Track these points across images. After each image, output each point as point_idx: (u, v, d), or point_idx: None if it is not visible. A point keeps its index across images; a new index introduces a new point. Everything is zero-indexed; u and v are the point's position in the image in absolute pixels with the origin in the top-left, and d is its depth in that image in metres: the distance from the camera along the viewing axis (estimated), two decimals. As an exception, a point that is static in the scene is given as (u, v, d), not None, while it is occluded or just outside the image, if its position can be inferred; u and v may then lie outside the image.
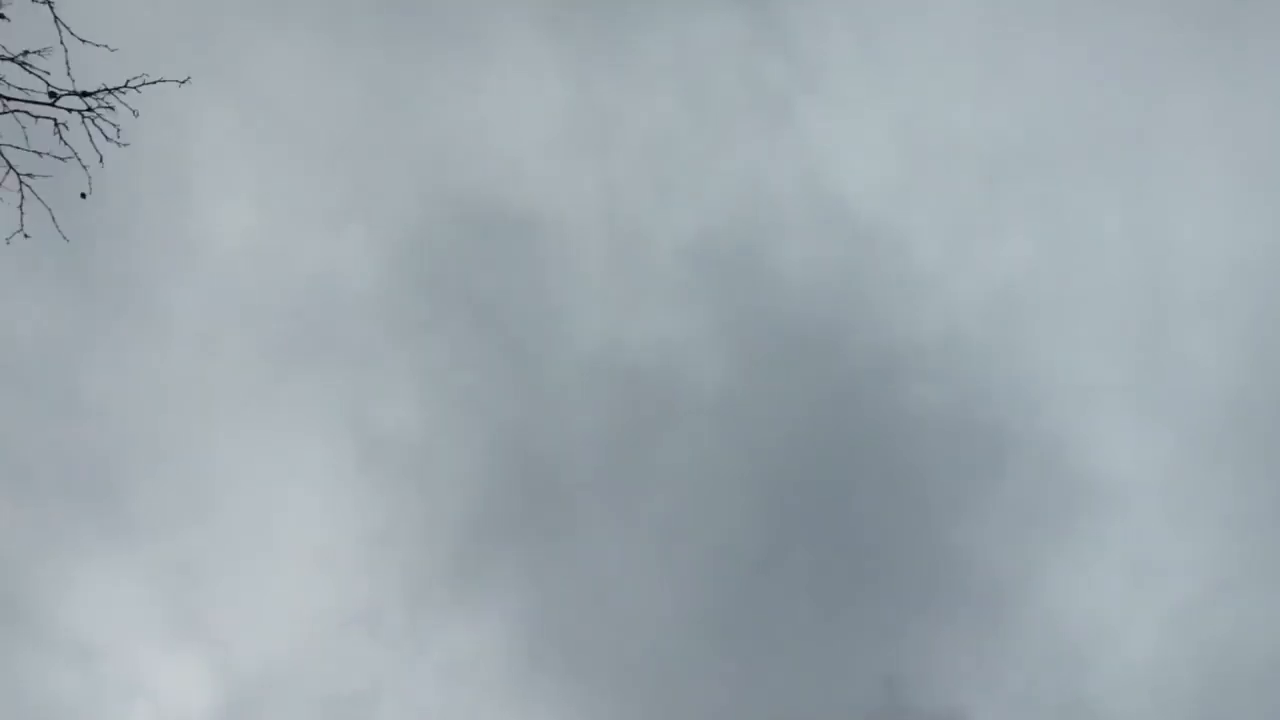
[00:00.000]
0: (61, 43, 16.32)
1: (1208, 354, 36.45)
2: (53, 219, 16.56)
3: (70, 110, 16.27)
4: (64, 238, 16.75)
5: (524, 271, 40.10)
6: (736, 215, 39.77)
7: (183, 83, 17.69)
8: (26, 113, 16.10)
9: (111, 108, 16.43)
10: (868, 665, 37.88)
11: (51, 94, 16.20)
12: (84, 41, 16.42)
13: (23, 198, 16.26)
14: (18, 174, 16.54)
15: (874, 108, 39.41)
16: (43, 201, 16.62)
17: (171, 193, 35.53)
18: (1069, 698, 36.34)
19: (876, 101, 38.97)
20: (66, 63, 16.27)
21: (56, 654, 34.87)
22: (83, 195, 16.55)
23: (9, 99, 15.99)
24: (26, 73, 16.18)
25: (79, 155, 16.60)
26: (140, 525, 36.32)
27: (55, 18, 16.02)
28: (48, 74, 16.45)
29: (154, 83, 16.93)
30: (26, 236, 16.68)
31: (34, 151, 16.56)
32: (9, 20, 15.43)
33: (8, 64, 15.76)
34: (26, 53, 15.75)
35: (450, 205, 39.19)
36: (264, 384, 37.84)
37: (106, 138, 16.53)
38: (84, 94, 16.17)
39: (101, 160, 16.72)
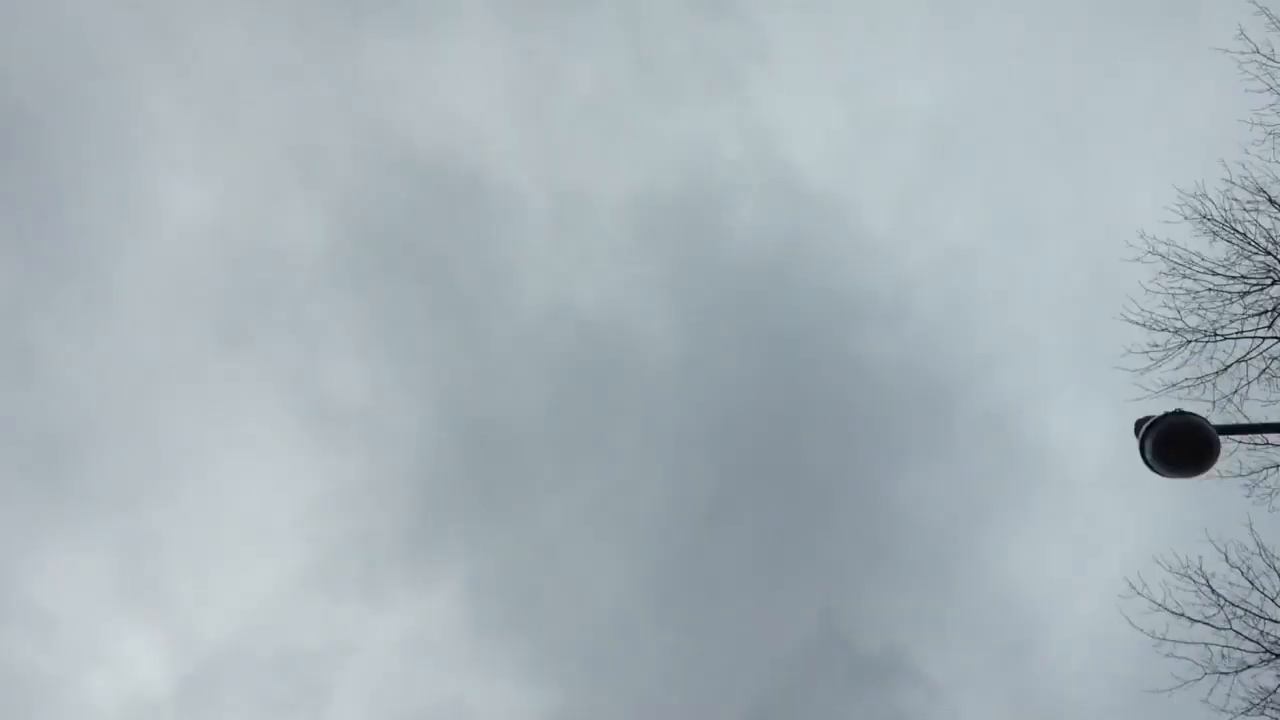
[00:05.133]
0: None
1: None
2: None
3: None
4: None
5: (470, 232, 40.11)
6: (683, 178, 39.96)
7: None
8: None
9: None
10: (809, 604, 38.80)
11: None
12: None
13: None
14: None
15: (822, 76, 39.61)
16: None
17: (120, 168, 35.19)
18: (1010, 643, 37.41)
19: (824, 70, 39.16)
20: None
21: (14, 624, 35.04)
22: None
23: None
24: None
25: None
26: (97, 497, 36.41)
27: None
28: None
29: None
30: None
31: None
32: None
33: None
34: None
35: (396, 168, 39.05)
36: (215, 354, 37.84)
37: None
38: None
39: None
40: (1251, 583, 19.91)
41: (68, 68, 34.26)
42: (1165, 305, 21.10)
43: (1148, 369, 21.22)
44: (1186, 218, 20.92)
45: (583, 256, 40.10)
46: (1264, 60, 20.61)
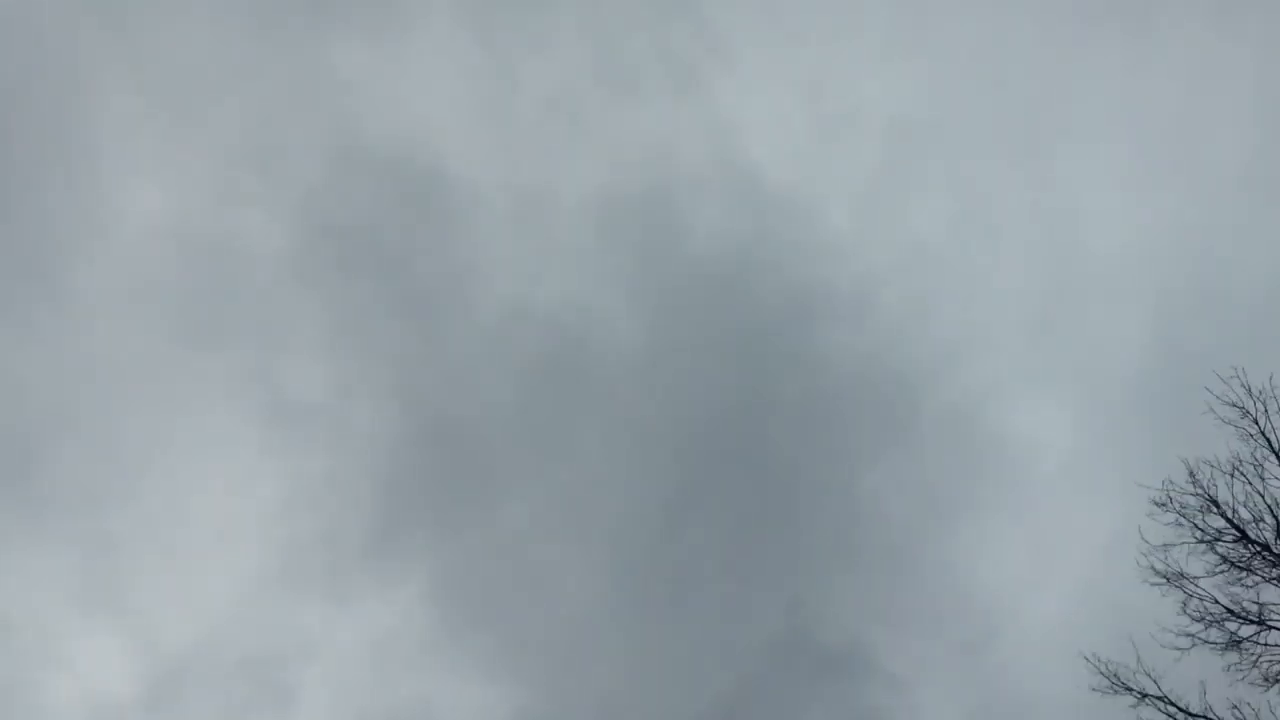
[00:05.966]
0: None
1: (1110, 325, 37.48)
2: None
3: None
4: None
5: (433, 230, 39.97)
6: (645, 176, 39.95)
7: None
8: None
9: None
10: (774, 599, 38.88)
11: None
12: None
13: None
14: None
15: (783, 75, 39.68)
16: None
17: (77, 170, 34.82)
18: (971, 637, 37.60)
19: (786, 69, 39.24)
20: None
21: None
22: None
23: None
24: None
25: None
26: (57, 498, 36.03)
27: None
28: None
29: None
30: None
31: None
32: None
33: None
34: None
35: (358, 166, 38.87)
36: (176, 354, 37.53)
37: None
38: None
39: None
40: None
41: (24, 66, 33.92)
42: None
43: None
44: None
45: (545, 254, 40.08)
46: None
